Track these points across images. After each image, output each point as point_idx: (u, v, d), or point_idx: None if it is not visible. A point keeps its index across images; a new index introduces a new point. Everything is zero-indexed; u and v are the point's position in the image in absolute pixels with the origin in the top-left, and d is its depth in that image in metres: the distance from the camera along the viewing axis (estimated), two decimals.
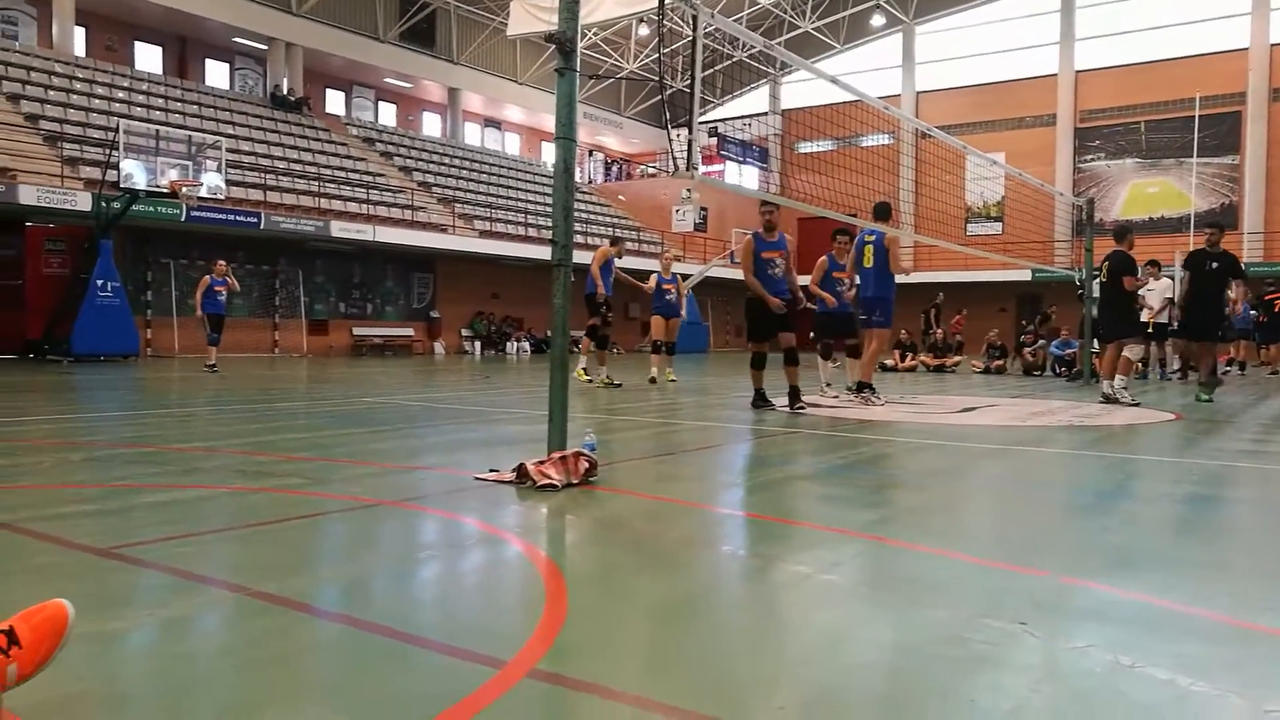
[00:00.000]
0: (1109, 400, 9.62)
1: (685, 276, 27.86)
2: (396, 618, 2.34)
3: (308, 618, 2.34)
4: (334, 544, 3.22)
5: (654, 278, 12.65)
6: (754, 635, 2.29)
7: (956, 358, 18.77)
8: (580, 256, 11.46)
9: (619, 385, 11.43)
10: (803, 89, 38.68)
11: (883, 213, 9.36)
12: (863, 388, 9.23)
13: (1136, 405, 9.27)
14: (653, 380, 11.98)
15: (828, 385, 10.41)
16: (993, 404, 9.76)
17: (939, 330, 19.25)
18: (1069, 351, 16.18)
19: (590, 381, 11.63)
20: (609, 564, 2.96)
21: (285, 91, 28.16)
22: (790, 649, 2.18)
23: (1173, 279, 16.46)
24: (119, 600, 2.47)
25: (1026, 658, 2.07)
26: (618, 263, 12.00)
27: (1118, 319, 10.09)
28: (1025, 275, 29.79)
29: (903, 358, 18.13)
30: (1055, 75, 34.76)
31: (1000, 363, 17.61)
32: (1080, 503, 4.18)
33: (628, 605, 2.52)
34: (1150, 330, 14.50)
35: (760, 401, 8.51)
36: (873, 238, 9.14)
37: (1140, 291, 14.72)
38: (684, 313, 13.24)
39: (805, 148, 38.48)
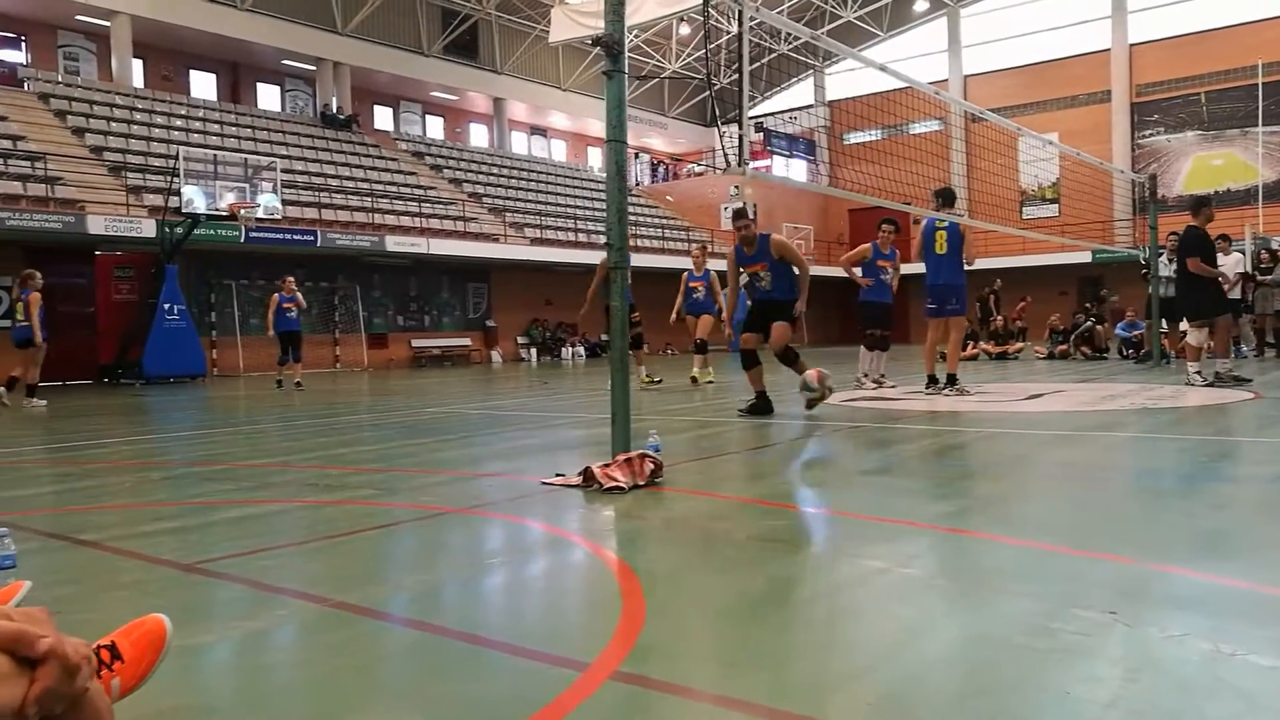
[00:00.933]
0: (1223, 380, 9.05)
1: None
2: (476, 624, 2.35)
3: (386, 626, 2.36)
4: (408, 553, 3.25)
5: (685, 275, 12.35)
6: (834, 631, 2.26)
7: (1019, 344, 18.40)
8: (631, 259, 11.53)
9: (659, 382, 11.84)
10: (848, 79, 38.26)
11: (949, 198, 9.09)
12: (952, 381, 8.96)
13: (1211, 386, 8.98)
14: (709, 381, 11.84)
15: (864, 375, 10.21)
16: (1059, 390, 9.54)
17: (999, 317, 18.90)
18: (1136, 333, 15.76)
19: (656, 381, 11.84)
20: (682, 564, 2.95)
21: (335, 110, 28.66)
22: (872, 644, 2.15)
23: (1243, 253, 15.95)
24: (204, 614, 2.52)
25: (1120, 648, 2.00)
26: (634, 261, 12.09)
27: (1199, 297, 9.49)
28: (1086, 257, 29.08)
29: (964, 346, 17.82)
30: (1108, 50, 33.88)
31: (1064, 347, 17.19)
32: (1161, 487, 4.06)
33: (705, 605, 2.50)
34: None
35: (763, 406, 7.40)
36: (945, 224, 8.89)
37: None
38: (725, 313, 12.93)
39: (853, 138, 38.06)
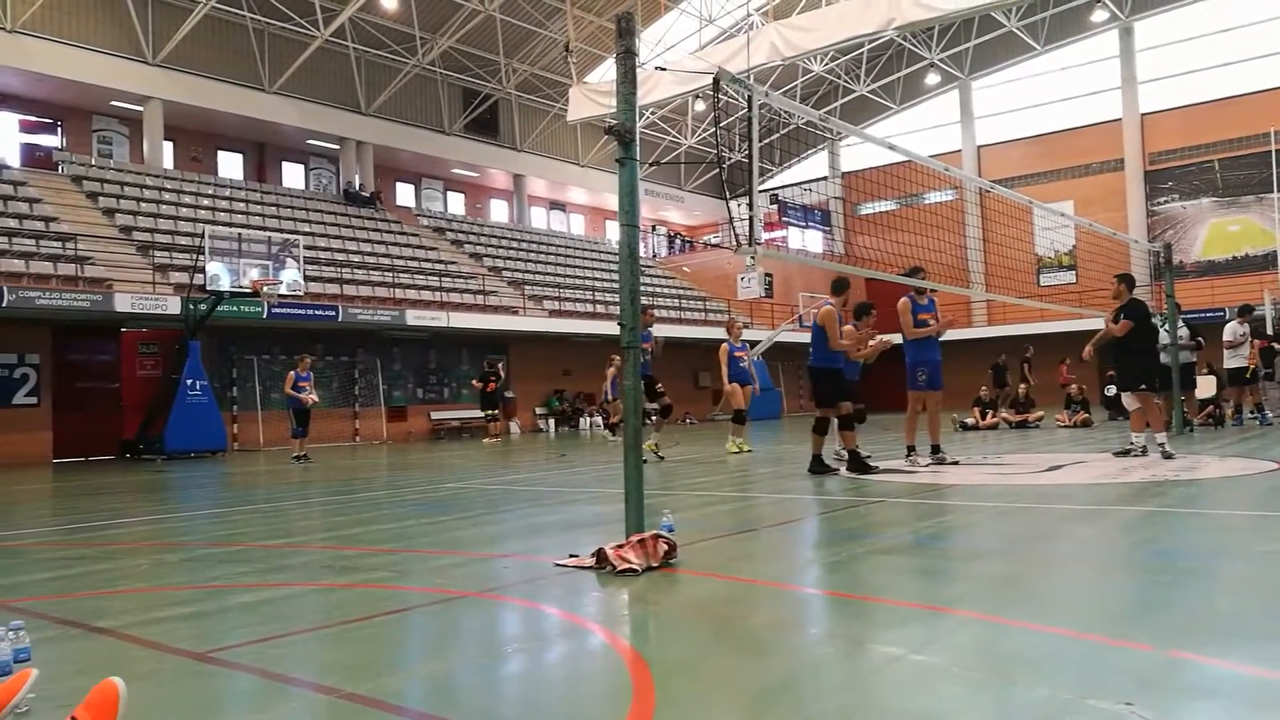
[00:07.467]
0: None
1: (754, 343, 28.01)
2: (486, 715, 2.34)
3: None
4: (421, 640, 3.25)
5: (724, 346, 12.83)
6: None
7: (1039, 413, 18.27)
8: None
9: (662, 459, 11.59)
10: (862, 151, 38.78)
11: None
12: (935, 450, 9.23)
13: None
14: (742, 450, 12.16)
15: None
16: (1079, 460, 9.45)
17: (1013, 386, 18.87)
18: None
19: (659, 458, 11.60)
20: (694, 651, 2.93)
21: (357, 187, 29.29)
22: None
23: (1264, 319, 15.87)
24: (216, 707, 2.53)
25: None
26: (655, 331, 12.46)
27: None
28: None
29: (983, 415, 17.73)
30: (1120, 120, 34.25)
31: (1085, 416, 17.04)
32: (1181, 566, 4.00)
33: (717, 695, 2.48)
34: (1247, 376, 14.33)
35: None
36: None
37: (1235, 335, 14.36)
38: (756, 382, 13.39)
39: (867, 209, 38.46)
